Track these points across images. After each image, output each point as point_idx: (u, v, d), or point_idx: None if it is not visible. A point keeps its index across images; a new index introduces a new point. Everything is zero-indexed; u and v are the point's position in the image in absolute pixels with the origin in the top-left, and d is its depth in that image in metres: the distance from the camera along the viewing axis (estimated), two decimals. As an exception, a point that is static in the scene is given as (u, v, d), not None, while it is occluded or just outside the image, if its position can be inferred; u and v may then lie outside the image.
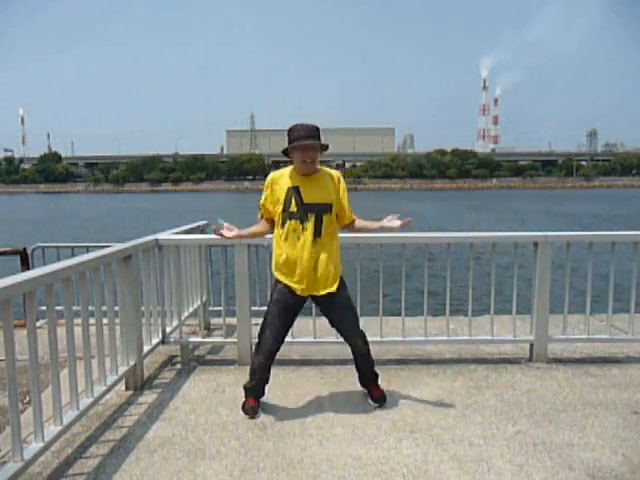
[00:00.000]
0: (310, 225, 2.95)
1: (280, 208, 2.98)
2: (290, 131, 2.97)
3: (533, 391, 3.46)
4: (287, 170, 3.07)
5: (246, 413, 3.13)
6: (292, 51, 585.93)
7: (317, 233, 2.96)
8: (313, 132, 2.93)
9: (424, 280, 4.01)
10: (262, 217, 3.15)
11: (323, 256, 2.98)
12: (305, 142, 2.90)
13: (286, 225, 2.96)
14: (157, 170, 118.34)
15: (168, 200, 66.90)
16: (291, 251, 2.97)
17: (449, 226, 27.14)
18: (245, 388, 3.23)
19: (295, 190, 2.97)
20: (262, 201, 3.10)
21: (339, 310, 3.13)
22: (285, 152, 3.04)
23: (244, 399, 3.21)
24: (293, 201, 2.95)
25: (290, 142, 2.94)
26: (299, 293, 3.03)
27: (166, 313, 4.08)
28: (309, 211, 2.95)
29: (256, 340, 3.24)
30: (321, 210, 2.97)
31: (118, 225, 30.36)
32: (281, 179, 3.03)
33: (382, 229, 3.14)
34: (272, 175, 3.12)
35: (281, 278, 3.07)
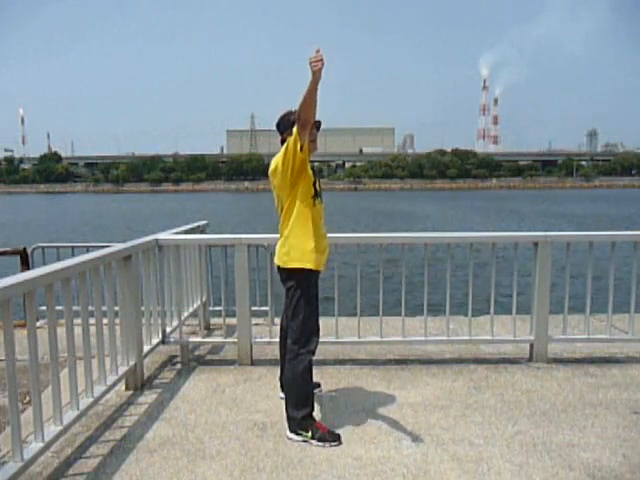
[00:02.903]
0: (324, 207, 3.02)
1: (311, 180, 2.88)
2: (292, 112, 2.84)
3: (533, 391, 3.46)
4: None
5: (336, 440, 2.80)
6: (292, 51, 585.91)
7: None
8: None
9: (424, 280, 4.00)
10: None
11: None
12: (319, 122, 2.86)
13: (317, 202, 2.91)
14: (157, 170, 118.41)
15: (166, 201, 66.87)
16: (321, 231, 2.95)
17: (449, 226, 27.14)
18: (304, 418, 2.84)
19: (314, 172, 2.95)
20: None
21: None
22: (284, 137, 2.88)
23: (312, 430, 2.81)
24: (317, 180, 2.94)
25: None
26: (321, 269, 2.95)
27: (166, 313, 4.08)
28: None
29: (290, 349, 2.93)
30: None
31: (108, 227, 30.33)
32: None
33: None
34: None
35: (315, 265, 2.87)
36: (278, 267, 2.98)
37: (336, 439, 2.81)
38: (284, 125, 2.91)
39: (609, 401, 3.29)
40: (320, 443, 2.78)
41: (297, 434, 2.84)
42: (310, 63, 2.48)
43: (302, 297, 2.89)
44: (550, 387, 3.53)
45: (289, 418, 2.89)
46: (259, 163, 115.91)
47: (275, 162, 2.87)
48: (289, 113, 2.91)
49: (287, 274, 2.91)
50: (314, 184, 2.90)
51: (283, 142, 2.89)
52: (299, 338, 2.90)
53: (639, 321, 4.06)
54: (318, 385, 3.45)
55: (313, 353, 2.94)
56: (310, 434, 2.81)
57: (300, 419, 2.84)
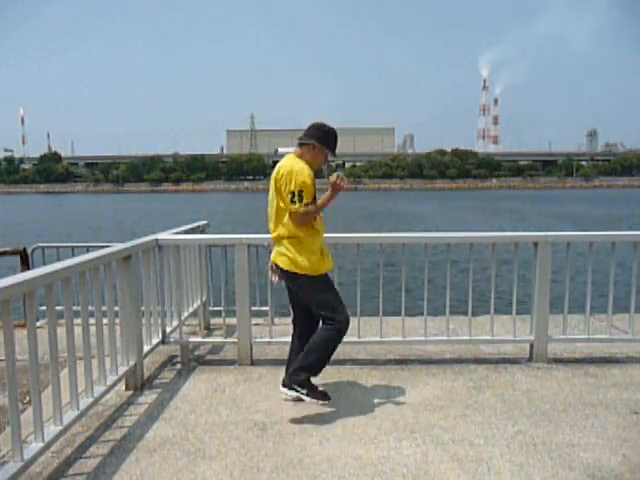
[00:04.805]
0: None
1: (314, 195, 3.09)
2: (334, 138, 3.15)
3: (533, 391, 3.46)
4: (300, 161, 3.10)
5: (326, 399, 3.08)
6: (292, 51, 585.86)
7: None
8: None
9: (424, 280, 4.00)
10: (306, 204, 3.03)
11: None
12: (334, 157, 3.22)
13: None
14: (157, 170, 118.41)
15: (168, 201, 66.84)
16: (320, 238, 3.18)
17: (449, 226, 27.14)
18: (307, 379, 3.08)
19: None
20: (311, 193, 3.03)
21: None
22: (303, 141, 3.13)
23: (307, 388, 3.05)
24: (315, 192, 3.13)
25: (332, 147, 3.14)
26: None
27: (166, 313, 4.08)
28: None
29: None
30: None
31: (108, 227, 30.33)
32: (310, 169, 3.09)
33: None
34: (302, 165, 3.06)
35: (324, 267, 3.14)
36: (287, 271, 3.11)
37: (327, 398, 3.07)
38: (309, 134, 3.10)
39: (609, 401, 3.29)
40: (314, 400, 3.03)
41: (292, 389, 3.05)
42: (336, 182, 2.99)
43: (323, 291, 3.11)
44: (550, 387, 3.53)
45: (292, 374, 3.06)
46: (259, 163, 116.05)
47: (281, 179, 3.02)
48: (321, 127, 3.12)
49: (298, 276, 3.08)
50: (315, 197, 3.07)
51: (300, 142, 3.13)
52: (332, 314, 3.07)
53: (639, 321, 4.06)
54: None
55: (346, 326, 3.11)
56: (305, 391, 3.04)
57: (304, 379, 3.05)
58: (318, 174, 3.15)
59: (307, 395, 3.03)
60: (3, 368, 2.24)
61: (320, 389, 3.11)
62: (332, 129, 3.16)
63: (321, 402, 3.04)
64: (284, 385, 3.10)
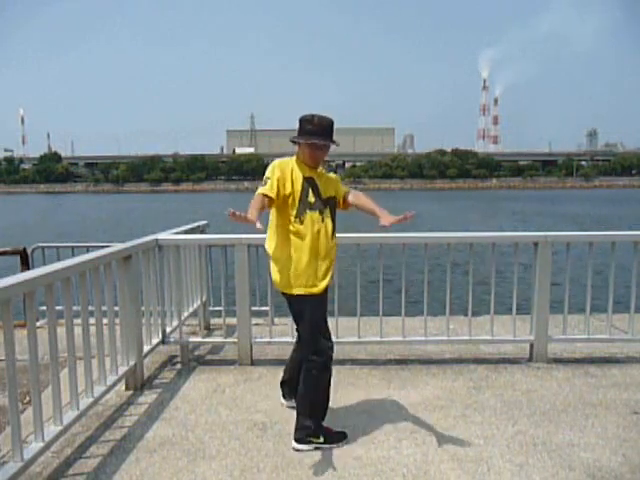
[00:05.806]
0: (328, 217, 2.83)
1: (296, 197, 2.75)
2: (307, 122, 2.76)
3: (533, 391, 3.46)
4: (293, 160, 2.85)
5: (344, 438, 2.82)
6: (292, 51, 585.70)
7: (334, 224, 2.87)
8: (329, 130, 2.79)
9: (424, 280, 4.00)
10: (265, 196, 2.71)
11: (334, 247, 2.91)
12: (316, 141, 2.75)
13: (305, 216, 2.75)
14: (157, 170, 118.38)
15: (168, 201, 66.79)
16: (314, 243, 2.75)
17: (449, 226, 27.14)
18: (316, 425, 2.77)
19: (311, 181, 2.80)
20: (272, 181, 2.71)
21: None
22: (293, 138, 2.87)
23: (322, 435, 2.76)
24: (311, 192, 2.78)
25: (305, 133, 2.76)
26: (321, 291, 2.80)
27: (166, 313, 4.08)
28: (326, 203, 2.83)
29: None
30: (333, 202, 2.89)
31: (108, 227, 30.32)
32: (294, 167, 2.79)
33: (374, 214, 2.79)
34: (282, 161, 2.82)
35: (307, 290, 2.75)
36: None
37: (344, 438, 2.81)
38: (298, 128, 2.81)
39: (609, 401, 3.29)
40: (334, 445, 2.76)
41: (307, 443, 2.75)
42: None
43: (308, 321, 2.78)
44: (550, 387, 3.53)
45: (299, 428, 2.78)
46: (259, 163, 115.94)
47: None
48: (307, 119, 2.76)
49: (287, 298, 2.82)
50: (301, 199, 2.75)
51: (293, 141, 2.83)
52: (308, 345, 2.79)
53: (639, 321, 4.06)
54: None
55: (328, 358, 2.77)
56: (322, 439, 2.76)
57: (314, 427, 2.76)
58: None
59: (324, 442, 2.75)
60: (3, 368, 2.24)
61: (335, 430, 2.85)
62: (304, 116, 2.77)
63: (342, 444, 2.78)
64: (297, 440, 2.76)
